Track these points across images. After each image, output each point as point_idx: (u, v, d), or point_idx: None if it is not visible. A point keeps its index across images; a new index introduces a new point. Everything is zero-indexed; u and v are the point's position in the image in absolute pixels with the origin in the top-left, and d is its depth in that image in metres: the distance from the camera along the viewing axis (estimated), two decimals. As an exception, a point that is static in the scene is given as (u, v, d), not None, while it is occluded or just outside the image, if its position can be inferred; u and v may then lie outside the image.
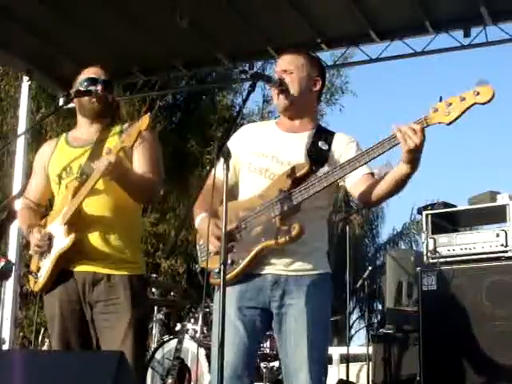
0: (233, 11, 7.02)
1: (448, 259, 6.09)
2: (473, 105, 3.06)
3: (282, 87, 3.57)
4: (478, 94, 3.03)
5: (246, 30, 7.32)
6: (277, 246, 3.38)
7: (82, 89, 3.94)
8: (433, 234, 6.23)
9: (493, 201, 6.19)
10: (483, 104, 3.04)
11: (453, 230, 6.40)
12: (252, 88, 3.47)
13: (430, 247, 6.14)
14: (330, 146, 3.58)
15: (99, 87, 3.93)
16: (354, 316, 24.88)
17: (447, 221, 6.48)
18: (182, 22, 6.98)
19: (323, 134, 3.63)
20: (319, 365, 3.49)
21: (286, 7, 6.88)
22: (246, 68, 8.21)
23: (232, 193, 3.53)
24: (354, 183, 3.50)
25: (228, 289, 3.27)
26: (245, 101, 3.60)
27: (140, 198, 3.90)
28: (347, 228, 7.26)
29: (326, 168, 3.48)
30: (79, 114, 4.04)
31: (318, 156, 3.52)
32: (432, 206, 6.34)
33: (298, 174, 3.43)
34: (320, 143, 3.56)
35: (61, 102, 8.33)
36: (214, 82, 11.10)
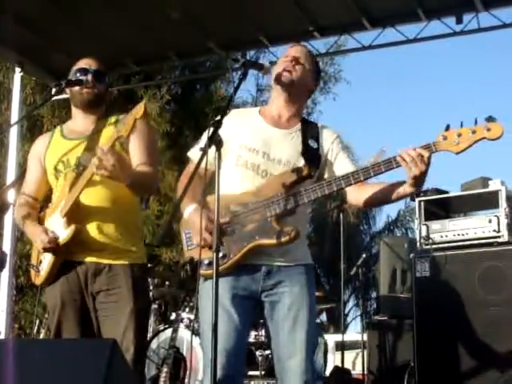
0: (226, 0, 7.00)
1: (441, 245, 6.11)
2: (482, 139, 3.18)
3: (299, 64, 3.64)
4: (489, 130, 3.17)
5: (238, 18, 7.32)
6: (273, 245, 3.43)
7: (72, 79, 3.96)
8: (426, 220, 6.25)
9: (485, 187, 6.20)
10: (492, 140, 3.16)
11: (446, 217, 6.41)
12: (243, 76, 3.48)
13: (423, 233, 6.16)
14: (318, 142, 3.63)
15: (89, 77, 3.94)
16: (351, 304, 24.98)
17: (440, 207, 6.49)
18: (174, 11, 6.96)
19: (309, 130, 3.67)
20: (312, 350, 3.63)
21: (278, -4, 6.89)
22: (242, 57, 8.18)
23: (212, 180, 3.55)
24: (348, 188, 3.54)
25: (221, 279, 3.32)
26: (236, 89, 3.60)
27: (139, 192, 3.94)
28: (341, 216, 7.26)
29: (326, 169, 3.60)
30: (72, 105, 4.05)
31: (313, 157, 3.58)
32: (425, 192, 6.35)
33: (299, 176, 3.47)
34: (310, 142, 3.62)
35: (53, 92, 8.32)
36: (207, 71, 11.09)
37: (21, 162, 7.94)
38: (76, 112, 4.04)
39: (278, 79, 3.64)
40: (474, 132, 3.18)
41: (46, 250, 3.81)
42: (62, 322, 3.81)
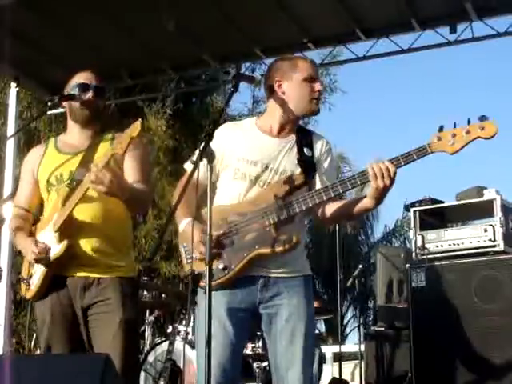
0: (219, 12, 7.02)
1: (437, 255, 6.12)
2: (476, 138, 3.18)
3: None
4: (483, 128, 3.17)
5: (233, 31, 7.33)
6: (274, 254, 3.44)
7: (73, 93, 3.93)
8: (421, 230, 6.26)
9: (480, 196, 6.21)
10: (486, 139, 3.16)
11: (441, 226, 6.41)
12: (235, 89, 3.48)
13: (419, 244, 6.17)
14: (312, 149, 3.64)
15: (90, 94, 3.92)
16: (349, 314, 24.93)
17: (435, 217, 6.50)
18: (169, 24, 6.98)
19: (304, 138, 3.68)
20: (310, 362, 3.60)
21: (272, 7, 6.89)
22: (234, 69, 8.19)
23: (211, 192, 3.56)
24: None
25: (218, 292, 3.33)
26: (227, 102, 3.61)
27: (134, 208, 3.95)
28: (337, 227, 7.27)
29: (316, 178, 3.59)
30: (70, 119, 4.03)
31: (308, 165, 3.59)
32: (420, 202, 6.36)
33: (295, 184, 3.49)
34: (305, 150, 3.63)
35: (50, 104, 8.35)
36: (202, 84, 11.15)
37: (17, 176, 7.93)
38: (72, 126, 4.03)
39: (312, 112, 3.68)
40: (468, 132, 3.18)
41: (37, 261, 3.79)
42: (52, 337, 3.80)
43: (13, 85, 8.17)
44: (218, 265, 3.43)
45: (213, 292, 3.04)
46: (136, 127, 3.50)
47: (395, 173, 3.26)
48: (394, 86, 48.73)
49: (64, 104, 4.02)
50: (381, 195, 3.34)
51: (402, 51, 7.53)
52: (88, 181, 3.61)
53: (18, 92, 8.29)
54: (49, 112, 8.90)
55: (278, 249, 3.41)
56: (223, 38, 7.52)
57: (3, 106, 12.83)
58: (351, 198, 3.61)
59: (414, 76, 47.86)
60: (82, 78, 3.98)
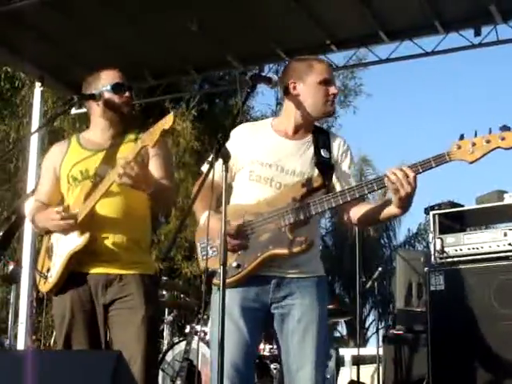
0: (242, 14, 7.03)
1: (455, 259, 6.08)
2: (496, 148, 3.17)
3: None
4: (504, 139, 3.15)
5: (256, 32, 7.35)
6: (288, 255, 3.44)
7: (106, 92, 3.95)
8: (440, 233, 6.22)
9: (500, 200, 6.17)
10: (507, 149, 3.14)
11: (460, 230, 6.38)
12: (251, 90, 3.49)
13: (438, 247, 6.13)
14: (329, 151, 3.64)
15: (127, 93, 3.98)
16: (371, 318, 24.85)
17: (455, 220, 6.47)
18: (192, 25, 7.01)
19: (321, 139, 3.67)
20: (322, 362, 3.61)
21: (295, 9, 6.89)
22: (256, 70, 8.19)
23: (227, 193, 3.57)
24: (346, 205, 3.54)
25: (232, 290, 3.34)
26: (243, 103, 3.60)
27: (159, 203, 3.96)
28: (356, 229, 7.27)
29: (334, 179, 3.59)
30: (101, 117, 4.02)
31: (326, 167, 3.59)
32: (439, 205, 6.33)
33: (313, 186, 3.49)
34: (322, 151, 3.62)
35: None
36: (225, 85, 11.15)
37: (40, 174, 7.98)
38: (97, 124, 4.05)
39: (327, 114, 3.70)
40: (488, 141, 3.17)
41: (62, 225, 3.78)
42: (72, 333, 3.82)
43: (37, 84, 8.24)
44: (232, 263, 3.43)
45: (227, 290, 3.05)
46: (169, 119, 3.47)
47: (415, 178, 3.22)
48: (419, 88, 48.53)
49: (91, 102, 4.03)
50: (405, 203, 3.30)
51: (426, 54, 7.49)
52: (111, 177, 3.64)
53: (42, 92, 8.34)
54: (73, 112, 9.03)
55: (295, 249, 3.41)
56: (246, 40, 7.54)
57: (29, 105, 12.95)
58: (378, 203, 3.57)
59: (439, 79, 47.58)
60: (114, 77, 4.01)
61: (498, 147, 3.16)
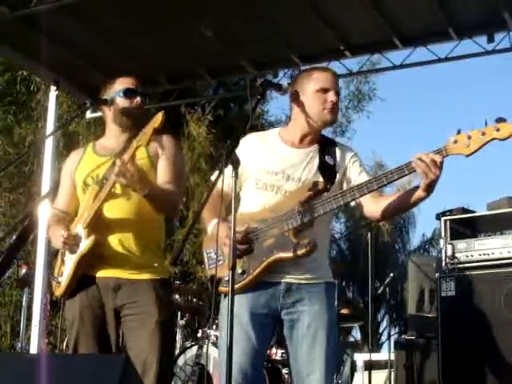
0: (257, 19, 7.06)
1: (467, 265, 6.07)
2: (492, 140, 3.19)
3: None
4: (499, 130, 3.18)
5: (271, 37, 7.35)
6: (292, 258, 3.45)
7: (118, 98, 4.00)
8: (451, 239, 6.22)
9: (511, 206, 6.18)
10: (502, 140, 3.17)
11: (471, 236, 6.36)
12: (261, 97, 3.52)
13: (449, 253, 6.13)
14: (334, 159, 3.67)
15: (138, 98, 4.00)
16: (385, 323, 24.79)
17: (466, 226, 6.45)
18: (207, 30, 7.04)
19: (326, 147, 3.71)
20: (332, 368, 3.63)
21: (309, 15, 6.90)
22: (271, 76, 8.19)
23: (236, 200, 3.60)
24: (363, 199, 3.57)
25: (241, 295, 3.36)
26: (253, 110, 3.63)
27: (158, 207, 3.91)
28: (369, 234, 7.26)
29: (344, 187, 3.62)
30: (110, 123, 4.07)
31: (329, 173, 3.62)
32: (450, 211, 6.33)
33: (317, 190, 3.51)
34: (327, 158, 3.65)
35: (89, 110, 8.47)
36: (239, 90, 11.16)
37: (55, 177, 8.02)
38: (112, 129, 4.08)
39: (327, 122, 3.71)
40: (483, 134, 3.20)
41: (64, 247, 3.84)
42: (80, 336, 3.83)
43: (53, 88, 8.27)
44: (237, 270, 3.43)
45: (236, 296, 3.08)
46: (158, 118, 3.58)
47: (442, 162, 3.26)
48: (433, 93, 48.37)
49: (104, 108, 4.08)
50: (431, 186, 3.34)
51: (439, 60, 7.49)
52: (112, 177, 3.69)
53: (57, 95, 8.38)
54: (88, 116, 9.08)
55: (299, 252, 3.43)
56: (260, 45, 7.55)
57: (44, 109, 13.03)
58: (402, 192, 3.61)
59: (452, 84, 47.42)
60: (126, 82, 4.04)
61: (494, 139, 3.19)
